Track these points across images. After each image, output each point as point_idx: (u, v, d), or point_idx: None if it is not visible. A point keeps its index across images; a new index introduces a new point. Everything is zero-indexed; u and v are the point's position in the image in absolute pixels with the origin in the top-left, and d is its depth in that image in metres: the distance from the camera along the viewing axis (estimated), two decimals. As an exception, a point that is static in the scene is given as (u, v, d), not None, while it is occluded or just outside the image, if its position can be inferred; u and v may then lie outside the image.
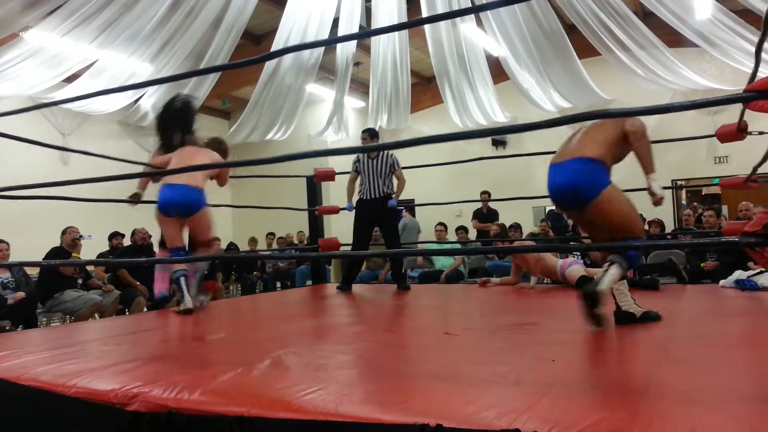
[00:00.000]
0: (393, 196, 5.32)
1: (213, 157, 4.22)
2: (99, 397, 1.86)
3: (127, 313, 6.16)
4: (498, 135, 11.35)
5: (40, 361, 2.34)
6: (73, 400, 1.92)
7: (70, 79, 8.26)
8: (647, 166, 2.76)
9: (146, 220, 7.38)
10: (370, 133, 5.47)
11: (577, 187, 2.75)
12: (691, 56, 9.27)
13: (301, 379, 1.87)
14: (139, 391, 1.82)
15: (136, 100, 9.65)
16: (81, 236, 5.87)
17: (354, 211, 5.42)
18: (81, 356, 2.43)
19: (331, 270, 8.63)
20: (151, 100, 9.64)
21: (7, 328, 5.05)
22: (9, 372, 2.19)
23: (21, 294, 5.27)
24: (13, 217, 7.07)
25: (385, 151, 5.36)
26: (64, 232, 5.93)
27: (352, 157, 5.55)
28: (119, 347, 2.70)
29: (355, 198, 5.46)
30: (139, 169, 4.71)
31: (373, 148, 5.03)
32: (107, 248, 7.22)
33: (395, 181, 5.39)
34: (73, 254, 5.75)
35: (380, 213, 5.31)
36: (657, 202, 2.75)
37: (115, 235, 7.20)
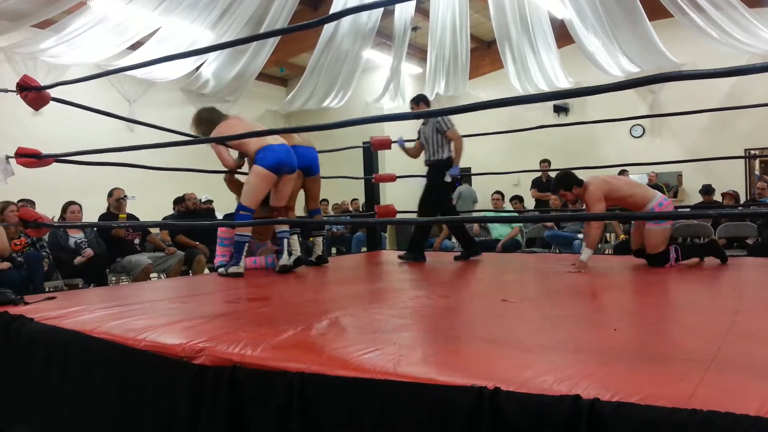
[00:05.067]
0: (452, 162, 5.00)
1: None
2: (167, 350, 1.94)
3: (190, 274, 6.39)
4: (560, 99, 11.02)
5: (111, 316, 2.46)
6: (142, 353, 2.01)
7: (134, 47, 8.49)
8: None
9: (205, 186, 7.63)
10: (415, 101, 5.19)
11: None
12: (772, 17, 8.70)
13: (359, 339, 1.90)
14: (205, 345, 1.89)
15: (198, 68, 9.85)
16: (125, 196, 6.06)
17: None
18: (149, 313, 2.54)
19: (387, 237, 8.67)
20: (211, 68, 9.82)
21: (80, 285, 5.30)
22: (83, 325, 2.31)
23: (89, 251, 5.38)
24: (80, 182, 7.26)
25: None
26: (110, 194, 6.09)
27: (410, 124, 5.47)
28: (185, 305, 2.81)
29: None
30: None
31: (430, 113, 4.93)
32: (172, 212, 7.44)
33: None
34: (120, 215, 5.93)
35: (428, 179, 5.14)
36: None
37: (180, 200, 7.42)
